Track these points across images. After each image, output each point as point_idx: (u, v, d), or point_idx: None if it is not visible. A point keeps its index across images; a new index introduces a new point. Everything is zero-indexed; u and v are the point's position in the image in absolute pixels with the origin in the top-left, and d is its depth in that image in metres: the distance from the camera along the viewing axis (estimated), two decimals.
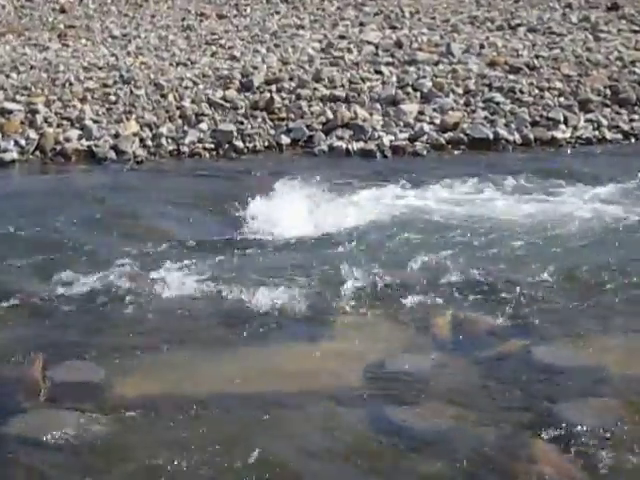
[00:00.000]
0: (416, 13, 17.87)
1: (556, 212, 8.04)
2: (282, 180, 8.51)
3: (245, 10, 19.09)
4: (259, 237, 7.65)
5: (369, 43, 14.63)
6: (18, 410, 4.96)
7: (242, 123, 11.14)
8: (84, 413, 4.87)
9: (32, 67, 13.58)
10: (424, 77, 12.37)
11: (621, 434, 4.61)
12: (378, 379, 5.26)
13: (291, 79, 12.47)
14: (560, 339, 5.70)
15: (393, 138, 10.74)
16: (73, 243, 7.44)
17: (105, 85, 12.43)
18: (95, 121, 11.13)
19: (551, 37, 15.10)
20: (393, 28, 16.33)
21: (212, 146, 10.72)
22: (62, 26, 17.63)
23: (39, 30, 17.27)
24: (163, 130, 10.92)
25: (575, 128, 11.04)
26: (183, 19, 18.16)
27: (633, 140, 10.91)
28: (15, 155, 10.44)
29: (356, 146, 10.61)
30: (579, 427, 4.65)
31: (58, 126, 11.06)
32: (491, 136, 10.76)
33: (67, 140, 10.72)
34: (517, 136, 10.80)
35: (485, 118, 11.19)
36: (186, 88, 12.25)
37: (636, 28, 15.61)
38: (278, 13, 18.55)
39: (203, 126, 11.01)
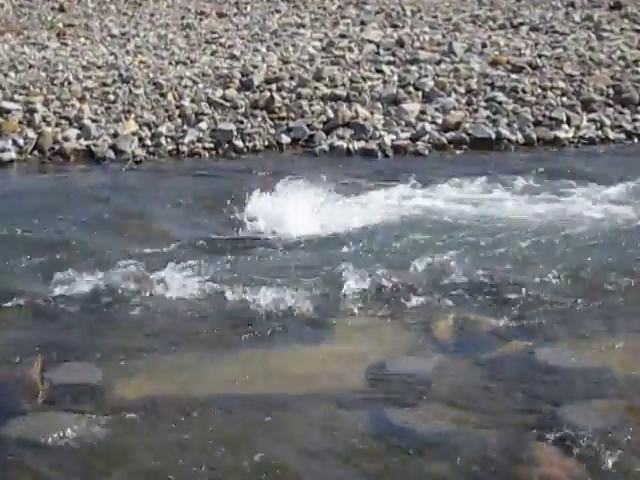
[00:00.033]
0: (418, 12, 17.88)
1: (561, 212, 8.03)
2: (283, 180, 8.50)
3: (245, 8, 19.10)
4: (259, 238, 7.65)
5: (370, 42, 14.63)
6: (16, 412, 4.95)
7: (242, 122, 11.12)
8: (83, 415, 4.86)
9: (31, 66, 13.58)
10: (426, 76, 12.36)
11: (626, 436, 4.60)
12: (380, 381, 5.26)
13: (291, 78, 12.46)
14: (564, 340, 5.69)
15: (394, 137, 10.73)
16: (71, 243, 7.42)
17: (104, 84, 12.42)
18: (94, 120, 11.12)
19: (554, 36, 15.11)
20: (394, 27, 16.33)
21: (212, 146, 10.71)
22: (61, 25, 17.63)
23: (38, 29, 17.26)
24: (162, 129, 10.91)
25: (578, 128, 11.03)
26: (183, 17, 18.17)
27: (636, 140, 10.91)
28: (13, 155, 10.43)
29: (357, 145, 10.60)
30: (583, 429, 4.64)
31: (57, 125, 11.05)
32: (493, 136, 10.75)
33: (66, 139, 10.70)
34: (519, 136, 10.79)
35: (487, 118, 11.19)
36: (185, 87, 12.25)
37: (639, 27, 15.62)
38: (278, 12, 18.56)
39: (203, 125, 11.00)
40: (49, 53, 14.67)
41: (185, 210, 8.56)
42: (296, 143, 10.83)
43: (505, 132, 10.79)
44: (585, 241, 7.33)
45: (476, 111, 11.39)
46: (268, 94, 11.72)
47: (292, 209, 7.89)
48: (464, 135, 10.80)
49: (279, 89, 12.01)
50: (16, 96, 11.86)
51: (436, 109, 11.41)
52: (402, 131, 10.89)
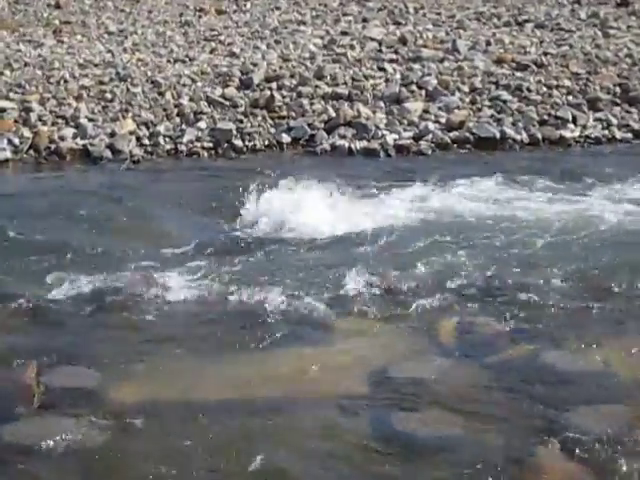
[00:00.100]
0: (421, 9, 17.91)
1: (570, 213, 8.02)
2: (283, 180, 8.49)
3: (245, 5, 19.12)
4: (260, 239, 7.65)
5: (372, 39, 14.64)
6: (11, 417, 4.95)
7: (242, 121, 11.13)
8: (79, 420, 4.86)
9: (26, 64, 13.60)
10: (429, 74, 12.38)
11: (632, 442, 4.60)
12: (383, 384, 5.25)
13: (292, 76, 12.47)
14: (571, 344, 5.68)
15: (397, 137, 10.74)
16: (68, 245, 7.42)
17: (101, 82, 12.44)
18: (90, 119, 11.13)
19: (559, 34, 15.13)
20: (397, 24, 16.35)
21: (211, 145, 10.72)
22: (57, 22, 17.66)
23: (33, 26, 17.29)
24: (160, 129, 10.92)
25: (584, 127, 11.04)
26: (181, 14, 18.19)
27: None
28: (9, 154, 10.44)
29: (359, 145, 10.61)
30: (589, 434, 4.63)
31: (53, 124, 11.07)
32: (498, 135, 10.75)
33: (62, 139, 10.72)
34: (524, 135, 10.80)
35: (491, 117, 11.20)
36: (184, 85, 12.26)
37: None
38: (279, 8, 18.59)
39: (201, 124, 11.01)
40: (45, 51, 14.69)
41: (184, 211, 8.56)
42: (297, 143, 10.84)
43: (510, 131, 10.80)
44: (595, 242, 7.32)
45: (480, 110, 11.40)
46: (268, 93, 11.73)
47: (292, 209, 7.89)
48: (468, 134, 10.80)
49: (279, 87, 12.02)
50: (11, 95, 11.87)
51: (439, 108, 11.42)
52: (405, 130, 10.90)
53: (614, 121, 11.16)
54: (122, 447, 4.67)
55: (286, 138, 10.84)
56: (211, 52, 14.47)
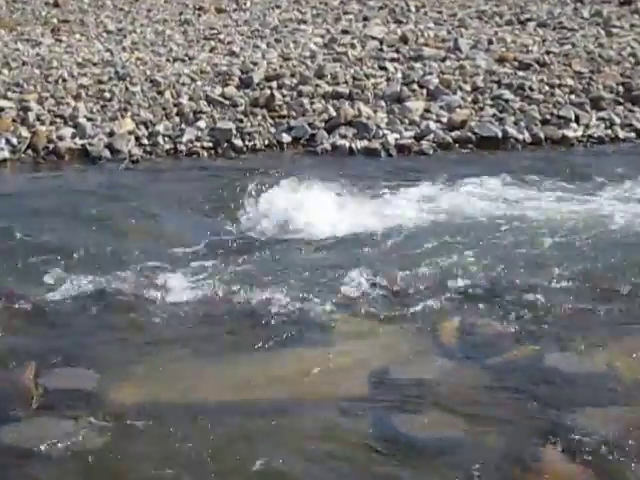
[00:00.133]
0: (422, 7, 17.89)
1: (577, 213, 8.01)
2: (284, 180, 8.49)
3: (245, 4, 19.12)
4: (260, 239, 7.65)
5: (373, 38, 14.64)
6: (9, 419, 4.96)
7: (241, 121, 11.13)
8: (78, 422, 4.86)
9: (24, 63, 13.60)
10: (430, 73, 12.37)
11: (637, 444, 4.60)
12: (384, 386, 5.26)
13: (292, 75, 12.47)
14: (574, 345, 5.68)
15: (398, 136, 10.73)
16: (67, 245, 7.43)
17: (100, 82, 12.44)
18: (89, 119, 11.13)
19: (562, 32, 15.12)
20: (398, 22, 16.35)
21: (210, 145, 10.72)
22: (55, 20, 17.66)
23: (31, 25, 17.29)
24: (160, 128, 10.92)
25: (587, 126, 11.03)
26: (180, 13, 18.19)
27: None
28: (6, 154, 10.44)
29: (360, 145, 10.60)
30: (592, 436, 4.64)
31: (51, 124, 11.06)
32: (500, 135, 10.75)
33: (60, 138, 10.72)
34: (527, 135, 10.79)
35: (494, 116, 11.19)
36: (183, 85, 12.26)
37: None
38: (279, 7, 18.58)
39: (201, 124, 11.01)
40: (43, 50, 14.69)
41: (183, 211, 8.56)
42: (297, 142, 10.83)
43: (512, 131, 10.79)
44: (603, 243, 7.30)
45: (482, 109, 11.39)
46: (268, 92, 11.72)
47: (293, 210, 7.89)
48: (470, 134, 10.80)
49: (280, 87, 12.02)
50: (9, 94, 11.87)
51: (441, 107, 11.42)
52: (406, 130, 10.89)
53: (617, 120, 11.15)
54: (122, 449, 4.67)
55: (286, 138, 10.83)
56: (211, 51, 14.47)
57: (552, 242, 7.32)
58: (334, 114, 11.16)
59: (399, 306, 6.23)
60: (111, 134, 10.78)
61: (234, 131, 10.86)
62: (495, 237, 7.46)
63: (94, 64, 13.53)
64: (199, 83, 12.33)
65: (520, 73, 12.47)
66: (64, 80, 12.50)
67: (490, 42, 14.20)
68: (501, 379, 5.30)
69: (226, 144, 10.72)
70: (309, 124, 11.00)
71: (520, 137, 10.75)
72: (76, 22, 17.50)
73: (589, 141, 10.82)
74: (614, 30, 15.02)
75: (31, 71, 13.03)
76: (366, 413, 4.99)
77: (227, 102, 11.58)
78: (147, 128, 10.98)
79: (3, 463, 4.59)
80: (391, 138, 10.65)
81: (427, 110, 11.34)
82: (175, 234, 7.85)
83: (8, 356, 5.56)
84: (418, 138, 10.72)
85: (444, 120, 11.09)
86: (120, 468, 4.55)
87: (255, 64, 13.04)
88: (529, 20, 16.18)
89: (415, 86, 11.97)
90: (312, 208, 7.90)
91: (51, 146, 10.59)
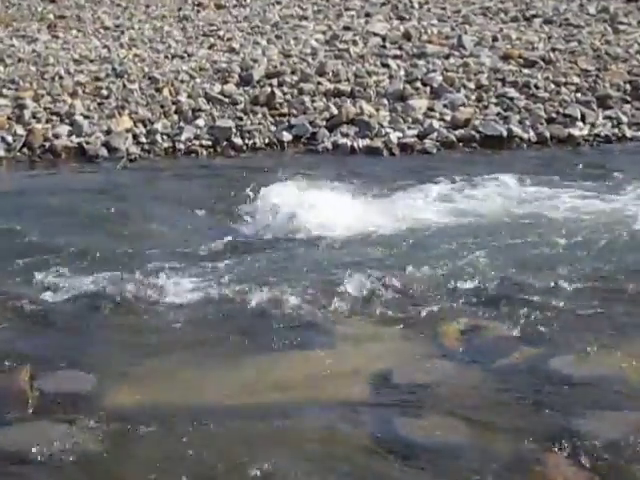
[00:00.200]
0: (425, 3, 17.90)
1: (585, 214, 8.01)
2: (284, 179, 8.50)
3: (245, 0, 19.12)
4: (261, 239, 7.66)
5: (376, 35, 14.65)
6: (4, 422, 4.95)
7: (241, 119, 11.15)
8: (74, 425, 4.86)
9: (20, 60, 13.63)
10: (434, 71, 12.39)
11: None
12: (386, 390, 5.26)
13: (293, 73, 12.48)
14: (579, 348, 5.67)
15: (401, 135, 10.74)
16: (63, 245, 7.43)
17: (97, 79, 12.46)
18: (86, 117, 11.15)
19: (568, 29, 15.13)
20: (401, 19, 16.36)
21: (209, 143, 10.73)
22: (52, 16, 17.69)
23: (27, 21, 17.31)
24: (158, 126, 10.93)
25: (593, 125, 11.04)
26: (179, 9, 18.20)
27: None
28: (1, 152, 10.47)
29: (362, 143, 10.61)
30: (598, 441, 4.63)
31: (47, 122, 11.08)
32: (504, 133, 10.76)
33: (56, 136, 10.73)
34: (532, 133, 10.80)
35: (498, 114, 11.20)
36: (182, 82, 12.27)
37: None
38: (279, 3, 18.59)
39: (200, 122, 11.02)
40: (39, 46, 14.71)
41: (182, 211, 8.56)
42: (298, 141, 10.85)
43: (517, 130, 10.80)
44: (616, 244, 7.28)
45: (486, 107, 11.41)
46: (269, 89, 11.74)
47: (294, 210, 7.90)
48: (474, 133, 10.81)
49: (280, 84, 12.03)
50: (5, 91, 11.90)
51: (444, 105, 11.43)
52: (409, 128, 10.90)
53: (624, 119, 11.16)
54: (119, 453, 4.67)
55: (287, 136, 10.84)
56: (210, 48, 14.48)
57: (562, 243, 7.30)
58: (335, 112, 11.17)
59: (403, 308, 6.23)
60: (108, 132, 10.80)
61: (234, 129, 10.87)
62: (504, 238, 7.44)
63: (91, 61, 13.55)
64: (198, 80, 12.34)
65: (525, 71, 12.48)
66: (60, 77, 12.52)
67: (495, 39, 14.22)
68: (505, 383, 5.30)
69: (225, 143, 10.73)
70: (310, 122, 11.01)
71: (525, 136, 10.76)
72: (73, 18, 17.52)
73: (595, 140, 10.83)
74: (621, 27, 15.03)
75: (27, 68, 13.05)
76: (369, 416, 4.98)
77: (226, 100, 11.59)
78: (145, 126, 10.99)
79: None
80: (394, 137, 10.66)
81: (430, 108, 11.35)
82: (174, 234, 7.85)
83: (3, 358, 5.55)
84: (421, 137, 10.73)
85: (448, 118, 11.11)
86: (118, 472, 4.55)
87: (255, 61, 13.06)
88: (534, 16, 16.19)
89: (418, 84, 11.99)
90: (312, 208, 7.90)
91: (47, 144, 10.61)
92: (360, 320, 6.14)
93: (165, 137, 10.80)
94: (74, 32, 16.06)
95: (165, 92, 11.85)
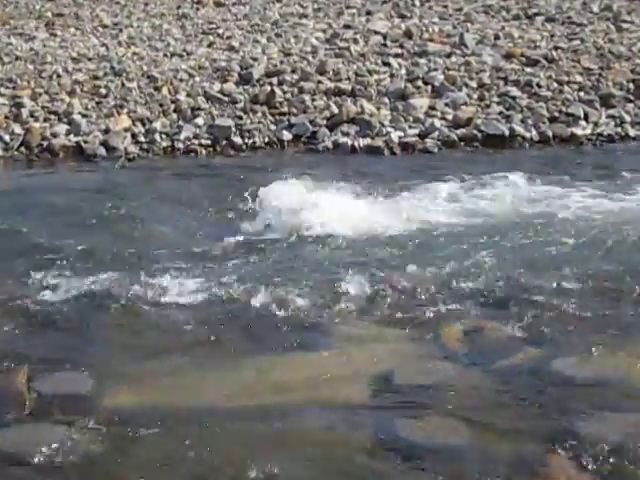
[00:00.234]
0: (427, 1, 17.89)
1: (590, 213, 8.00)
2: (284, 179, 8.49)
3: None
4: (262, 239, 7.64)
5: (377, 33, 14.65)
6: (1, 424, 4.95)
7: (241, 118, 11.14)
8: (72, 427, 4.86)
9: (17, 58, 13.62)
10: (435, 70, 12.39)
11: None
12: (386, 391, 5.26)
13: (293, 71, 12.48)
14: (582, 349, 5.67)
15: (402, 134, 10.74)
16: (60, 245, 7.43)
17: (95, 77, 12.46)
18: (84, 115, 11.14)
19: (571, 27, 15.13)
20: (402, 17, 16.35)
21: (209, 142, 10.73)
22: (49, 14, 17.68)
23: (25, 18, 17.31)
24: (157, 125, 10.93)
25: (596, 124, 11.04)
26: (178, 7, 18.19)
27: None
28: None
29: (362, 143, 10.61)
30: (601, 444, 4.63)
31: (45, 120, 11.08)
32: (506, 132, 10.75)
33: (54, 135, 10.73)
34: (534, 133, 10.80)
35: (500, 113, 11.20)
36: (181, 80, 12.27)
37: None
38: (279, 1, 18.58)
39: (199, 121, 11.02)
40: (37, 44, 14.71)
41: (181, 211, 8.55)
42: (298, 140, 10.84)
43: (519, 129, 10.80)
44: (623, 245, 7.28)
45: (488, 106, 11.40)
46: (268, 88, 11.74)
47: (294, 209, 7.89)
48: (475, 132, 10.81)
49: (280, 83, 12.03)
50: (2, 90, 11.90)
51: (446, 104, 11.43)
52: (410, 127, 10.90)
53: (627, 118, 11.16)
54: (117, 455, 4.67)
55: (287, 135, 10.84)
56: (209, 46, 14.48)
57: (569, 242, 7.30)
58: (336, 111, 11.16)
59: (406, 308, 6.23)
60: (107, 131, 10.79)
61: (233, 128, 10.87)
62: (510, 238, 7.44)
63: (89, 59, 13.55)
64: (197, 79, 12.34)
65: (528, 69, 12.48)
66: (58, 76, 12.51)
67: (497, 37, 14.22)
68: (507, 384, 5.30)
69: (225, 142, 10.73)
70: (310, 121, 11.01)
71: (527, 135, 10.76)
72: (71, 16, 17.51)
73: (598, 139, 10.83)
74: (624, 25, 15.03)
75: (24, 66, 13.05)
76: (370, 418, 4.99)
77: (226, 99, 11.59)
78: (144, 125, 10.99)
79: None
80: (395, 136, 10.66)
81: (432, 107, 11.35)
82: (173, 234, 7.85)
83: (0, 359, 5.56)
84: (422, 136, 10.73)
85: (449, 118, 11.11)
86: (116, 475, 4.54)
87: (255, 59, 13.06)
88: (537, 15, 16.18)
89: (419, 82, 11.99)
90: (314, 208, 7.89)
91: (45, 143, 10.61)
92: (362, 321, 6.14)
93: (164, 136, 10.80)
94: (72, 30, 16.06)
95: (164, 91, 11.84)
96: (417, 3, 17.71)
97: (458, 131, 10.82)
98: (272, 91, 11.60)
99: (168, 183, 9.52)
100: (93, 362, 5.56)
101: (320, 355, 5.68)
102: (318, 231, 7.67)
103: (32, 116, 11.12)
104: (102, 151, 10.42)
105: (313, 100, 11.50)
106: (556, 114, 11.17)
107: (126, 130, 10.84)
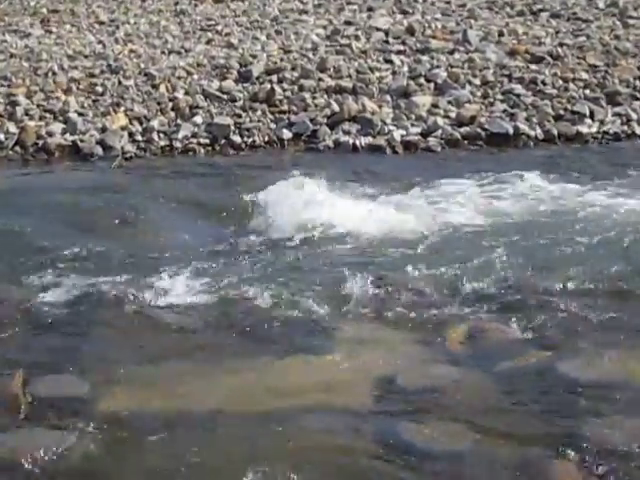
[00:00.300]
0: None
1: (597, 214, 7.99)
2: (284, 178, 8.50)
3: None
4: (262, 240, 7.65)
5: (378, 29, 14.64)
6: None
7: (240, 116, 11.14)
8: (68, 431, 4.87)
9: (12, 55, 13.62)
10: (438, 67, 12.38)
11: None
12: (389, 394, 5.26)
13: (293, 69, 12.48)
14: (587, 352, 5.67)
15: (404, 133, 10.73)
16: (56, 246, 7.43)
17: (91, 75, 12.45)
18: (80, 114, 11.14)
19: (576, 23, 15.12)
20: (404, 13, 16.35)
21: (207, 141, 10.72)
22: (45, 11, 17.67)
23: (20, 15, 17.30)
24: (154, 124, 10.92)
25: (602, 122, 11.02)
26: (176, 3, 18.19)
27: None
28: None
29: (364, 141, 10.60)
30: (607, 447, 4.64)
31: (40, 119, 11.07)
32: (511, 131, 10.74)
33: (50, 134, 10.72)
34: (539, 131, 10.78)
35: (504, 111, 11.18)
36: (179, 78, 12.26)
37: None
38: None
39: (198, 119, 11.01)
40: (32, 41, 14.71)
41: (179, 211, 8.55)
42: (298, 139, 10.83)
43: (523, 127, 10.79)
44: (631, 245, 7.28)
45: (492, 104, 11.39)
46: (268, 86, 11.73)
47: (294, 209, 7.90)
48: (479, 130, 10.79)
49: (280, 80, 12.03)
50: None
51: (449, 102, 11.41)
52: (412, 126, 10.89)
53: (634, 116, 11.14)
54: (113, 460, 4.68)
55: (287, 134, 10.83)
56: (208, 43, 14.48)
57: (577, 243, 7.28)
58: (337, 109, 11.15)
59: (410, 310, 6.23)
60: (103, 130, 10.79)
61: (232, 127, 10.86)
62: (518, 238, 7.43)
63: (85, 56, 13.54)
64: (195, 77, 12.33)
65: (532, 66, 12.47)
66: (54, 73, 12.51)
67: (501, 34, 14.20)
68: (511, 387, 5.30)
69: (224, 140, 10.72)
70: (311, 120, 11.00)
71: (532, 133, 10.74)
72: (66, 12, 17.51)
73: (604, 138, 10.81)
74: (631, 21, 15.01)
75: (19, 64, 13.05)
76: (372, 421, 4.99)
77: (225, 97, 11.58)
78: (141, 124, 10.98)
79: None
80: (397, 134, 10.65)
81: (435, 105, 11.34)
82: (171, 235, 7.86)
83: None
84: (425, 134, 10.72)
85: (452, 116, 11.09)
86: (112, 479, 4.55)
87: (254, 57, 13.05)
88: (542, 11, 16.17)
89: (422, 80, 11.98)
90: (315, 208, 7.90)
91: (40, 142, 10.60)
92: (366, 323, 6.14)
93: (162, 135, 10.79)
94: (68, 27, 16.05)
95: (162, 89, 11.84)
96: None
97: (461, 129, 10.81)
98: (272, 89, 11.60)
99: (166, 183, 9.51)
100: (89, 365, 5.56)
101: (323, 358, 5.69)
102: (320, 232, 7.67)
103: (27, 114, 11.11)
104: (99, 150, 10.42)
105: (314, 98, 11.49)
106: (561, 112, 11.16)
107: (123, 129, 10.83)
